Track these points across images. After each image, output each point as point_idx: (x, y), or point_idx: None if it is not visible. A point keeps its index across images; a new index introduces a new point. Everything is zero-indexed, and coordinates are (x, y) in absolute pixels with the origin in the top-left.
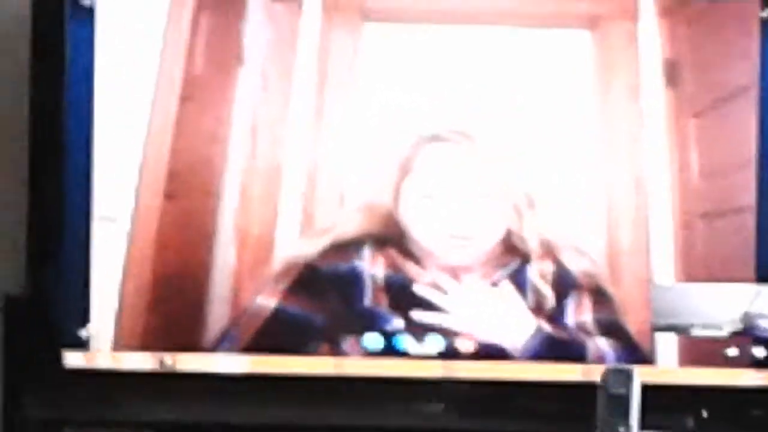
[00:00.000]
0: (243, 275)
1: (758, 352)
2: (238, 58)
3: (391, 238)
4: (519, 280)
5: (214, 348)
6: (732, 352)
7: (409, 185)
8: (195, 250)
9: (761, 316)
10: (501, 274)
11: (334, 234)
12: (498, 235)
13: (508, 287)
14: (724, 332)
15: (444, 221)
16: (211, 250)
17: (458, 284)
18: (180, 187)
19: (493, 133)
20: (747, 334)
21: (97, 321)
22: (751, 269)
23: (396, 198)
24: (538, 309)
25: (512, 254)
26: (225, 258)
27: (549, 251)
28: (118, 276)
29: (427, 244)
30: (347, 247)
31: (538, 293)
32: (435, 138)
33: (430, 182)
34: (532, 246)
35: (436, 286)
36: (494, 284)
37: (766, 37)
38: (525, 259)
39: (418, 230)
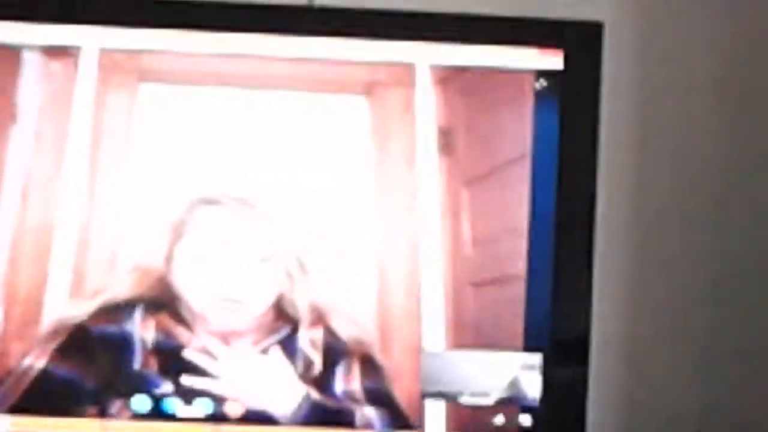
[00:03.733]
0: (11, 336)
1: (524, 420)
2: (11, 117)
3: (163, 301)
4: (289, 348)
5: None
6: (499, 420)
7: (182, 249)
8: None
9: (528, 384)
10: (271, 340)
11: (105, 296)
12: (269, 300)
13: (277, 354)
14: (491, 400)
15: (216, 285)
16: None
17: (228, 350)
18: None
19: (266, 197)
20: (514, 403)
21: None
22: (519, 338)
23: (169, 261)
24: (306, 377)
25: (283, 320)
26: None
27: (320, 317)
28: None
29: (199, 308)
30: (118, 310)
31: (307, 361)
32: (208, 201)
33: (203, 246)
34: (303, 312)
35: (206, 352)
36: (264, 351)
37: (539, 108)
38: (296, 325)
39: (189, 294)
